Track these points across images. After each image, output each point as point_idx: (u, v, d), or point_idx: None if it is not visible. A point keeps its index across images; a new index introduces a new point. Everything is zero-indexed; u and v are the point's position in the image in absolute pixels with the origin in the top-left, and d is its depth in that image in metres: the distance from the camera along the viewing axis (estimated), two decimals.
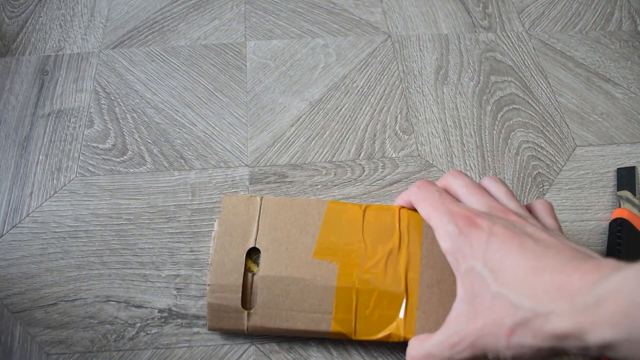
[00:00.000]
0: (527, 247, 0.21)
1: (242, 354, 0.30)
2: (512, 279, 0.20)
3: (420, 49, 0.44)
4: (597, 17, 0.47)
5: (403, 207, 0.30)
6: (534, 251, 0.20)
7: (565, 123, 0.40)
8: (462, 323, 0.22)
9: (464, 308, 0.22)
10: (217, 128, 0.39)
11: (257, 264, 0.29)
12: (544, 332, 0.19)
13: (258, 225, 0.30)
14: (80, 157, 0.37)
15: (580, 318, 0.17)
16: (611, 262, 0.19)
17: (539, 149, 0.39)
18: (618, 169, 0.38)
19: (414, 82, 0.42)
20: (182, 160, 0.37)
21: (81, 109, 0.40)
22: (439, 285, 0.28)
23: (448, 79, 0.43)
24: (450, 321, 0.23)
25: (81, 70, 0.42)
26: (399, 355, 0.30)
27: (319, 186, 0.36)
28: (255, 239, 0.29)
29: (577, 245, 0.21)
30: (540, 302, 0.19)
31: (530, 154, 0.38)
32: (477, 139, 0.39)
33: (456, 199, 0.26)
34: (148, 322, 0.31)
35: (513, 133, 0.40)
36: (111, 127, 0.39)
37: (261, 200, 0.31)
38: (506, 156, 0.38)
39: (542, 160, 0.38)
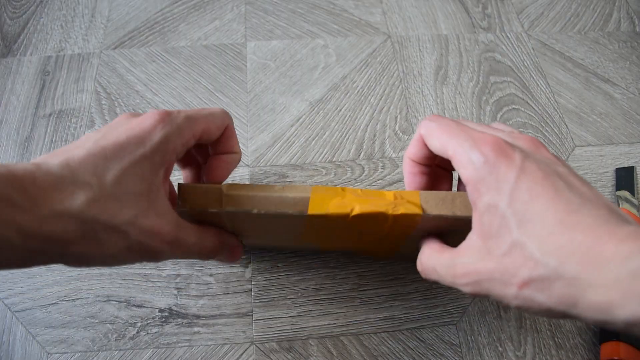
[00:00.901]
0: (560, 194, 0.18)
1: (242, 354, 0.30)
2: (538, 229, 0.18)
3: (419, 50, 0.45)
4: (596, 17, 0.48)
5: (394, 212, 0.24)
6: (569, 201, 0.18)
7: (564, 123, 0.41)
8: (472, 257, 0.20)
9: (478, 242, 0.20)
10: None
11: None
12: (562, 295, 0.17)
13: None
14: None
15: (611, 291, 0.16)
16: None
17: None
18: (617, 169, 0.38)
19: (414, 82, 0.43)
20: None
21: (82, 109, 0.40)
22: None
23: (447, 79, 0.43)
24: (461, 250, 0.21)
25: (82, 70, 0.42)
26: (399, 356, 0.30)
27: None
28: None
29: (610, 202, 0.19)
30: (566, 264, 0.17)
31: None
32: None
33: None
34: (149, 321, 0.31)
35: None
36: None
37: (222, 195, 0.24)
38: None
39: None
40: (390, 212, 0.24)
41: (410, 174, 0.25)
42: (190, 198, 0.25)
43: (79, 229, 0.19)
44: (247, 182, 0.36)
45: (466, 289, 0.20)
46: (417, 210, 0.23)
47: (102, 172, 0.19)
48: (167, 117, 0.22)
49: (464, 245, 0.21)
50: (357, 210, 0.24)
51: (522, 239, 0.18)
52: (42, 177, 0.18)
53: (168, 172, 0.23)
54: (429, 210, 0.24)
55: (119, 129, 0.21)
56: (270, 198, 0.24)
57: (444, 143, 0.22)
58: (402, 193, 0.24)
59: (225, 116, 0.26)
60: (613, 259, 0.16)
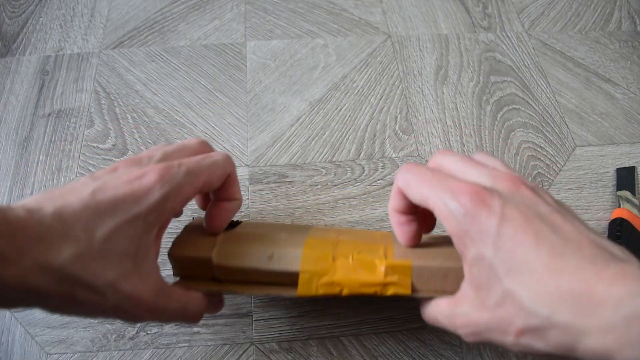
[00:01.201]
0: (543, 238, 0.18)
1: (242, 354, 0.30)
2: (526, 277, 0.18)
3: (420, 49, 0.45)
4: (597, 17, 0.47)
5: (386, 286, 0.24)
6: (552, 245, 0.18)
7: (565, 123, 0.40)
8: (468, 307, 0.21)
9: (471, 293, 0.20)
10: (217, 128, 0.39)
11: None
12: (558, 342, 0.17)
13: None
14: (81, 157, 0.37)
15: (607, 337, 0.16)
16: (637, 271, 0.17)
17: (539, 149, 0.39)
18: (617, 169, 0.38)
19: (414, 82, 0.42)
20: None
21: (81, 109, 0.40)
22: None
23: (448, 79, 0.43)
24: (457, 300, 0.21)
25: (81, 70, 0.42)
26: (399, 356, 0.30)
27: (319, 186, 0.36)
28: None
29: (596, 235, 0.19)
30: (558, 312, 0.17)
31: (530, 154, 0.39)
32: (477, 139, 0.39)
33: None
34: None
35: (513, 133, 0.40)
36: (111, 127, 0.39)
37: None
38: (506, 156, 0.38)
39: (541, 160, 0.38)
40: (379, 292, 0.24)
41: (398, 225, 0.25)
42: (182, 267, 0.25)
43: (57, 285, 0.18)
44: (247, 181, 0.36)
45: (468, 339, 0.21)
46: (406, 292, 0.23)
47: (92, 227, 0.19)
48: (167, 174, 0.21)
49: (459, 295, 0.22)
50: (345, 292, 0.24)
51: (512, 288, 0.18)
52: (32, 226, 0.18)
53: (162, 230, 0.23)
54: (418, 287, 0.24)
55: (118, 180, 0.21)
56: (259, 271, 0.24)
57: (423, 196, 0.22)
58: (394, 266, 0.24)
59: (228, 164, 0.25)
60: (604, 304, 0.16)
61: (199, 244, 0.25)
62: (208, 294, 0.25)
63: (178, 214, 0.30)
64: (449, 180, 0.21)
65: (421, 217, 0.26)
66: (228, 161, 0.25)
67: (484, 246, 0.19)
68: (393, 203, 0.25)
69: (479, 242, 0.19)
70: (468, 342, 0.21)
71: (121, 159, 0.37)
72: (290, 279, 0.24)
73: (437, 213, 0.21)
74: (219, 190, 0.26)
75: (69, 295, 0.19)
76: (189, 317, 0.24)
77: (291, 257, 0.24)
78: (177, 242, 0.26)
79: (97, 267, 0.19)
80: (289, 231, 0.27)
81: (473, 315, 0.20)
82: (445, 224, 0.21)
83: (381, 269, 0.24)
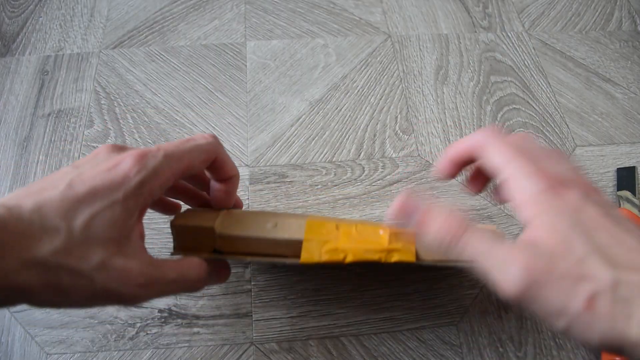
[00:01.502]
0: (624, 224, 0.19)
1: (242, 354, 0.30)
2: (615, 249, 0.18)
3: (420, 49, 0.44)
4: (597, 17, 0.47)
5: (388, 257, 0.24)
6: (633, 232, 0.18)
7: (565, 123, 0.40)
8: (529, 252, 0.18)
9: (544, 237, 0.18)
10: (217, 128, 0.39)
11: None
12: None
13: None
14: (81, 157, 0.37)
15: None
16: None
17: None
18: (618, 169, 0.38)
19: (414, 82, 0.42)
20: None
21: (81, 109, 0.40)
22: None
23: (448, 79, 0.43)
24: (518, 243, 0.19)
25: (81, 70, 0.42)
26: (399, 356, 0.30)
27: (319, 186, 0.36)
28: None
29: None
30: None
31: None
32: None
33: None
34: (148, 322, 0.31)
35: (513, 133, 0.40)
36: (111, 127, 0.39)
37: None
38: None
39: None
40: (383, 259, 0.24)
41: (448, 162, 0.24)
42: (184, 239, 0.25)
43: (42, 277, 0.18)
44: (247, 181, 0.36)
45: (515, 286, 0.18)
46: (410, 259, 0.23)
47: (71, 217, 0.19)
48: (143, 159, 0.21)
49: (524, 237, 0.19)
50: (349, 258, 0.24)
51: (593, 255, 0.17)
52: (12, 224, 0.18)
53: (142, 214, 0.23)
54: (422, 256, 0.24)
55: (96, 168, 0.21)
56: (263, 240, 0.24)
57: (502, 161, 0.21)
58: (398, 233, 0.24)
59: (211, 148, 0.25)
60: None
61: (202, 216, 0.25)
62: (209, 260, 0.25)
63: (168, 208, 0.30)
64: (534, 161, 0.21)
65: (472, 177, 0.25)
66: (213, 144, 0.25)
67: (562, 220, 0.18)
68: (454, 152, 0.24)
69: (555, 215, 0.19)
70: (509, 299, 0.18)
71: None
72: (294, 249, 0.24)
73: (512, 181, 0.20)
74: (214, 172, 0.26)
75: (55, 285, 0.19)
76: (190, 284, 0.24)
77: (295, 226, 0.24)
78: (180, 214, 0.26)
79: (80, 254, 0.19)
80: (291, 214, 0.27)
81: (538, 261, 0.18)
82: (516, 192, 0.20)
83: (385, 236, 0.24)
